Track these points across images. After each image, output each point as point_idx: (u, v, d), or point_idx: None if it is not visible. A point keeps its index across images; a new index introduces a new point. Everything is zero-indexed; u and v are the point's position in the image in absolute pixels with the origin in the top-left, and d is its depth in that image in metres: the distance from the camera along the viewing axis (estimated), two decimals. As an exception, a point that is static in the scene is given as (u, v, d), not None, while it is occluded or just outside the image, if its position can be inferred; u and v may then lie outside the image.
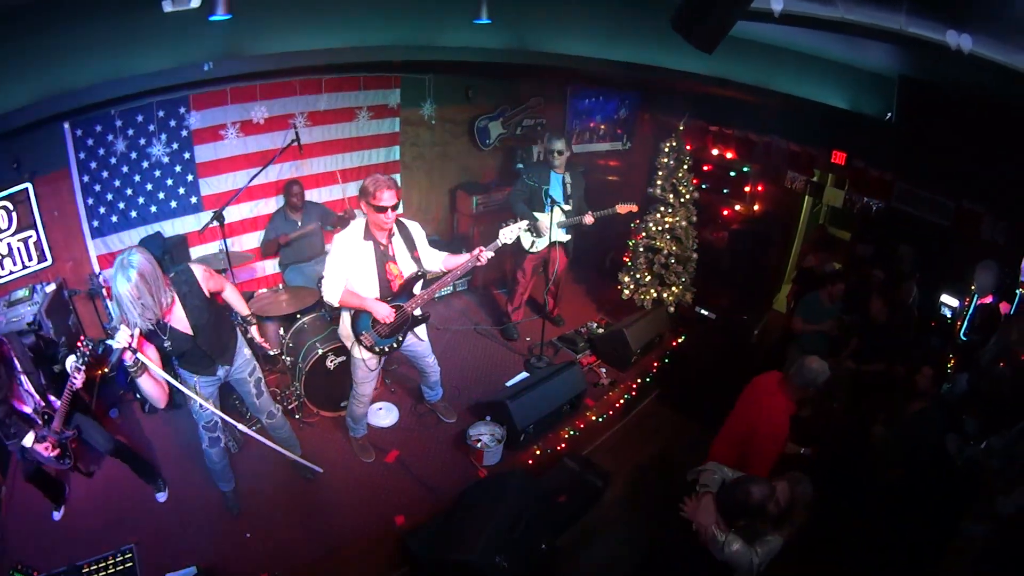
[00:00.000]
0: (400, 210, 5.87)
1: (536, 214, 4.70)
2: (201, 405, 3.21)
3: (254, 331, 3.41)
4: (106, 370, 4.05)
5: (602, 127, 6.10)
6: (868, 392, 4.42)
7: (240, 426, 3.18)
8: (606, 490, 4.06)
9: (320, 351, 3.97)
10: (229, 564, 3.50)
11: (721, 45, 2.63)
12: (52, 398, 3.38)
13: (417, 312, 3.46)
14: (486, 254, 3.28)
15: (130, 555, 3.50)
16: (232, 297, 3.25)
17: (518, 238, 4.77)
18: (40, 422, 3.33)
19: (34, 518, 3.88)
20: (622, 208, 4.68)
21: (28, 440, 3.28)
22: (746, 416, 3.30)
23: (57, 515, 3.86)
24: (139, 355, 2.64)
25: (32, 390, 3.29)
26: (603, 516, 3.95)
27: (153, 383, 2.77)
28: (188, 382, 3.17)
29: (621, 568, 3.59)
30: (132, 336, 2.56)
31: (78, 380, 3.10)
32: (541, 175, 4.70)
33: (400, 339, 3.55)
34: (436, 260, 3.46)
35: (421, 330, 3.66)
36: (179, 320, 2.88)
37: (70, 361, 3.15)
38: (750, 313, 5.56)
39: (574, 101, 6.09)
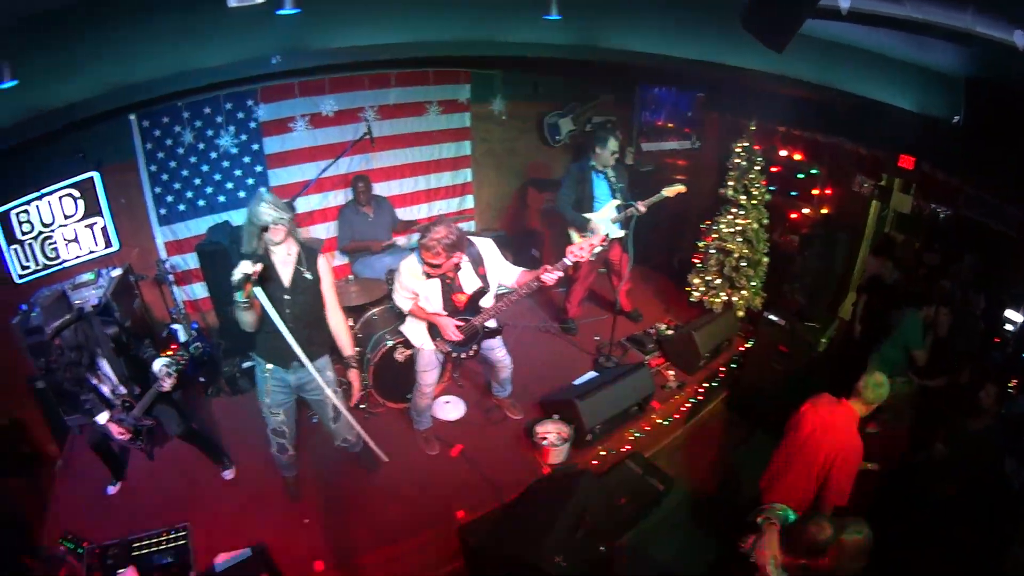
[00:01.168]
0: (470, 204, 6.05)
1: (586, 215, 4.73)
2: (272, 410, 3.34)
3: (352, 375, 3.43)
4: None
5: (670, 125, 6.10)
6: (931, 407, 4.25)
7: (340, 405, 3.36)
8: (667, 495, 4.04)
9: (389, 343, 4.07)
10: (284, 548, 3.57)
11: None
12: (135, 387, 3.53)
13: (490, 324, 3.53)
14: (551, 276, 3.19)
15: (184, 533, 3.63)
16: (339, 326, 3.32)
17: (571, 238, 4.82)
18: (119, 407, 3.48)
19: (88, 491, 4.06)
20: (670, 191, 4.56)
21: (102, 419, 3.43)
22: (812, 447, 3.12)
23: (112, 489, 4.04)
24: (256, 290, 2.81)
25: (111, 374, 3.45)
26: (662, 521, 3.94)
27: (255, 314, 2.94)
28: (261, 372, 3.27)
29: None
30: (254, 269, 2.74)
31: (166, 384, 3.30)
32: (584, 172, 4.72)
33: (476, 347, 3.62)
34: (510, 277, 3.45)
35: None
36: (285, 271, 3.04)
37: (159, 364, 3.33)
38: (818, 320, 5.47)
39: (643, 98, 6.11)
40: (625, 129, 6.22)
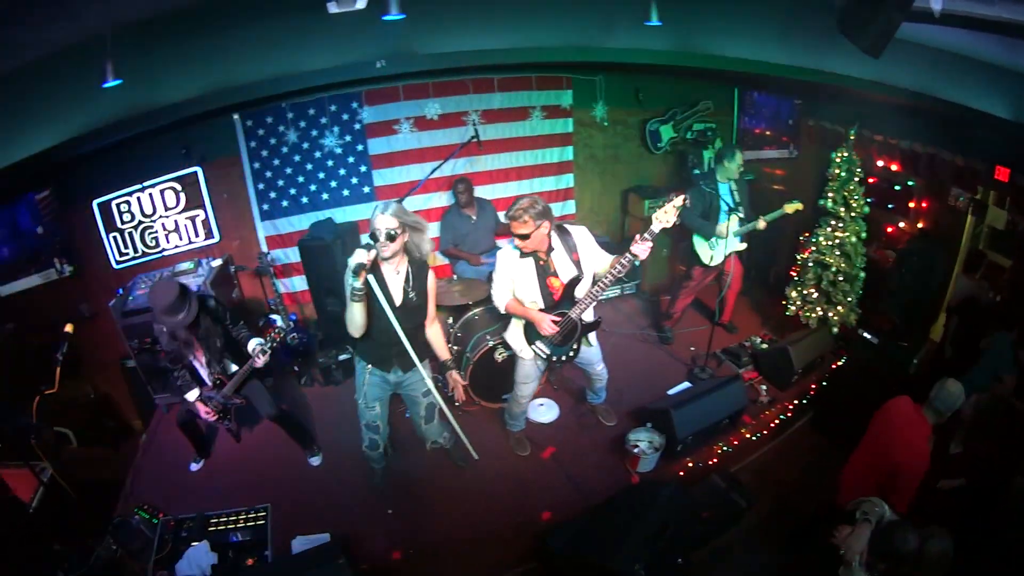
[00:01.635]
0: (571, 209, 6.16)
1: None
2: (368, 404, 3.46)
3: (455, 375, 3.52)
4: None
5: (768, 133, 6.03)
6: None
7: (443, 404, 3.51)
8: (748, 512, 4.00)
9: (490, 343, 4.20)
10: (365, 537, 3.72)
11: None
12: (229, 366, 3.75)
13: (587, 318, 3.53)
14: (641, 246, 3.09)
15: (264, 513, 3.75)
16: (436, 337, 3.44)
17: (694, 248, 4.86)
18: (210, 385, 3.69)
19: (170, 467, 4.31)
20: (789, 207, 4.65)
21: (192, 396, 3.65)
22: (882, 445, 3.19)
23: (195, 467, 4.28)
24: (370, 277, 2.91)
25: (206, 352, 3.64)
26: (741, 538, 3.93)
27: (362, 312, 3.01)
28: (362, 369, 3.40)
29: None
30: (368, 257, 2.84)
31: (260, 361, 3.48)
32: (711, 184, 4.74)
33: (576, 348, 3.65)
34: (603, 262, 3.44)
35: (592, 337, 3.75)
36: (394, 282, 3.11)
37: (254, 343, 3.54)
38: (911, 340, 5.31)
39: (742, 106, 6.09)
40: (725, 137, 6.21)
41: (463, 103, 5.30)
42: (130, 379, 4.89)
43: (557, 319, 3.45)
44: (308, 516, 3.85)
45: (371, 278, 2.94)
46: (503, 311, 3.59)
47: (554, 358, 3.64)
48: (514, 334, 3.71)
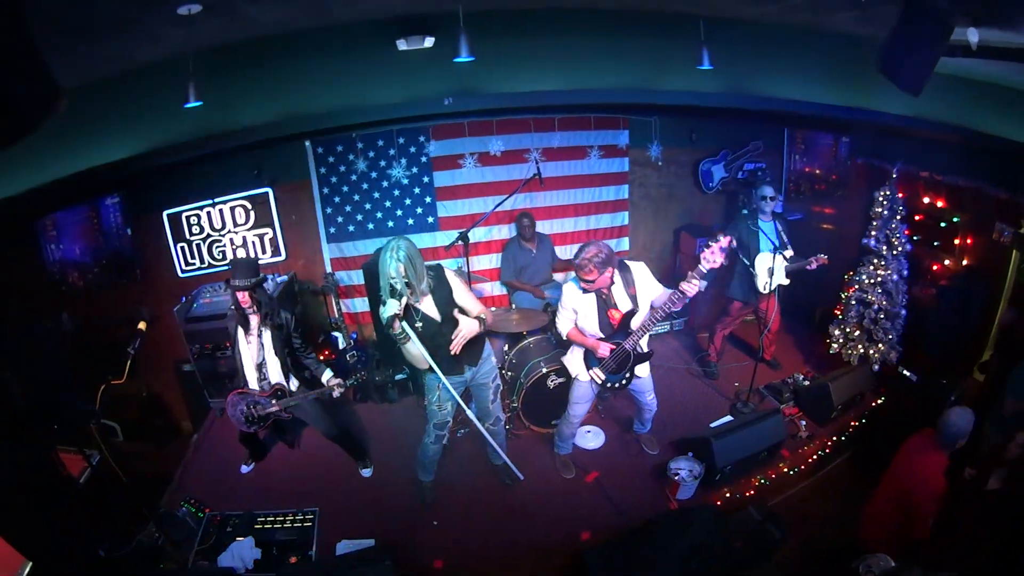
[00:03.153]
0: (625, 246, 6.48)
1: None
2: (440, 405, 3.80)
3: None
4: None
5: (817, 172, 6.29)
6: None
7: (480, 426, 3.86)
8: (782, 545, 4.19)
9: (544, 370, 4.56)
10: (409, 545, 3.98)
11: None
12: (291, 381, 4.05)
13: (640, 348, 3.86)
14: (690, 284, 3.34)
15: (311, 516, 4.06)
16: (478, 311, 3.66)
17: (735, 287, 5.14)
18: (260, 391, 3.97)
19: (220, 467, 4.66)
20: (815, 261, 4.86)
21: (231, 405, 3.96)
22: (900, 477, 3.44)
23: (246, 469, 4.60)
24: (404, 324, 3.30)
25: (274, 360, 3.94)
26: (773, 571, 4.10)
27: (415, 347, 3.41)
28: (433, 378, 3.70)
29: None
30: (400, 309, 3.22)
31: (336, 393, 3.86)
32: (755, 222, 5.02)
33: (628, 376, 3.98)
34: (660, 296, 3.68)
35: (644, 369, 4.06)
36: (429, 307, 3.47)
37: (328, 375, 3.90)
38: (949, 377, 5.48)
39: (791, 146, 6.34)
40: (775, 176, 6.43)
41: (524, 140, 5.68)
42: (184, 382, 5.30)
43: (613, 347, 3.78)
44: (354, 522, 4.17)
45: (405, 325, 3.32)
46: (565, 338, 3.98)
47: (608, 384, 3.96)
48: (573, 359, 4.06)
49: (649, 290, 3.75)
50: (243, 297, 3.78)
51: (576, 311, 3.82)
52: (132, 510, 3.99)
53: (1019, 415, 4.19)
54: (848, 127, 5.89)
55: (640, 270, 3.78)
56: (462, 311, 3.57)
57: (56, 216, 4.91)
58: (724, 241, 3.26)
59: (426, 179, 5.64)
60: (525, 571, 4.00)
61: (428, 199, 5.70)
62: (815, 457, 4.88)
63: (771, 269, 4.87)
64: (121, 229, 5.14)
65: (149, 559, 3.83)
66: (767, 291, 4.98)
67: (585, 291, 3.70)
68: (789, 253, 4.94)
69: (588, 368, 3.98)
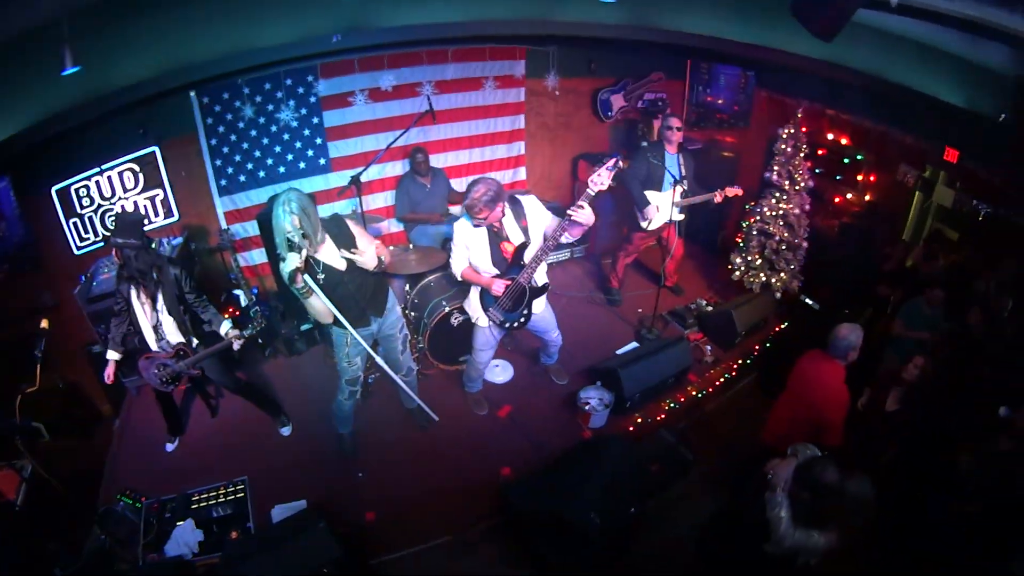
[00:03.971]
0: (523, 176, 6.43)
1: (652, 193, 5.07)
2: (350, 361, 3.74)
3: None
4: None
5: (720, 102, 6.40)
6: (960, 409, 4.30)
7: (393, 374, 3.76)
8: (695, 464, 4.34)
9: (446, 308, 4.51)
10: (339, 501, 3.98)
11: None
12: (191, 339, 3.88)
13: (535, 282, 3.84)
14: (577, 209, 3.32)
15: (242, 486, 4.00)
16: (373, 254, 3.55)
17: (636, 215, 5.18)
18: (167, 352, 3.80)
19: (146, 450, 4.48)
20: (729, 191, 4.98)
21: (111, 355, 3.82)
22: (802, 393, 3.59)
23: (170, 447, 4.45)
24: (306, 277, 3.16)
25: (171, 320, 3.75)
26: (688, 490, 4.25)
27: (318, 301, 3.30)
28: (340, 334, 3.64)
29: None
30: (300, 262, 3.08)
31: (236, 345, 3.67)
32: (658, 154, 5.04)
33: (526, 313, 3.95)
34: (551, 226, 3.64)
35: (540, 303, 4.01)
36: (330, 256, 3.35)
37: (227, 327, 3.72)
38: (852, 308, 5.75)
39: (695, 77, 6.42)
40: (676, 107, 6.52)
41: (417, 74, 5.51)
42: (96, 365, 4.85)
43: (508, 283, 3.76)
44: (284, 485, 4.11)
45: (307, 278, 3.19)
46: (459, 278, 3.95)
47: (507, 323, 3.95)
48: (471, 302, 4.05)
49: (540, 221, 3.73)
50: (116, 255, 3.57)
51: (468, 247, 3.78)
52: (75, 516, 3.82)
53: (914, 342, 4.55)
54: (755, 63, 6.01)
55: (531, 202, 3.77)
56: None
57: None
58: (610, 162, 3.26)
59: (315, 120, 5.40)
60: (455, 515, 4.01)
61: (319, 140, 5.47)
62: (721, 380, 5.07)
63: (672, 202, 4.95)
64: (13, 214, 4.62)
65: (102, 564, 3.70)
66: (665, 224, 5.08)
67: (476, 226, 3.67)
68: (681, 189, 4.92)
69: (485, 309, 3.96)
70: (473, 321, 4.12)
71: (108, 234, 3.55)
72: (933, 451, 3.84)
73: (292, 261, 3.08)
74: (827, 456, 3.02)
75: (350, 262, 3.41)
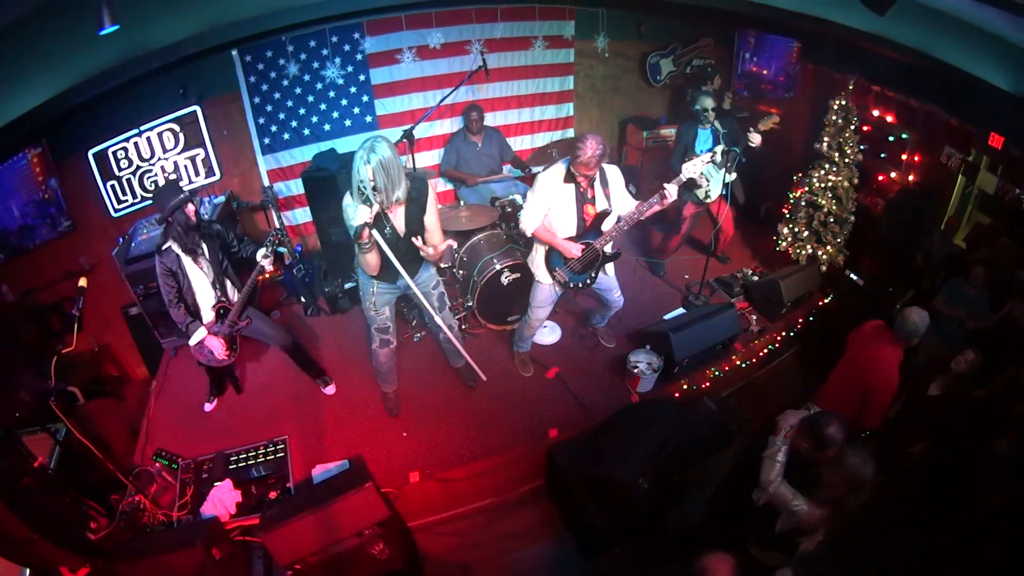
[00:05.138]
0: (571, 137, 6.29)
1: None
2: (377, 310, 3.71)
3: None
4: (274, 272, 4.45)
5: (765, 72, 6.37)
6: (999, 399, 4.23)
7: (446, 330, 3.77)
8: (737, 435, 4.31)
9: (497, 267, 4.52)
10: (382, 460, 4.02)
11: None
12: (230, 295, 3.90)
13: (607, 249, 3.85)
14: (671, 188, 3.45)
15: (282, 446, 4.02)
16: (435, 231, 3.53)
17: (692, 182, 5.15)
18: (213, 319, 3.83)
19: (184, 410, 4.53)
20: (765, 124, 4.80)
21: (199, 335, 3.77)
22: (856, 366, 3.60)
23: (209, 406, 4.50)
24: (374, 232, 3.12)
25: (210, 274, 3.75)
26: (728, 460, 4.19)
27: (376, 256, 3.29)
28: (366, 282, 3.63)
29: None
30: (371, 216, 3.03)
31: (268, 265, 3.63)
32: (690, 131, 4.99)
33: (593, 276, 3.96)
34: (629, 205, 3.74)
35: (610, 267, 4.04)
36: (398, 219, 3.32)
37: (261, 252, 3.66)
38: (896, 286, 5.76)
39: (742, 45, 6.38)
40: (724, 73, 6.52)
41: (465, 32, 5.51)
42: (133, 326, 5.05)
43: (583, 247, 3.75)
44: (326, 444, 4.15)
45: (375, 234, 3.15)
46: (529, 235, 3.82)
47: (572, 284, 3.94)
48: (535, 260, 3.97)
49: (621, 190, 3.75)
50: (192, 210, 3.57)
51: (551, 205, 3.71)
52: (109, 478, 3.79)
53: (969, 332, 4.54)
54: (802, 32, 5.97)
55: (614, 171, 3.76)
56: (422, 234, 3.43)
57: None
58: (707, 156, 3.64)
59: (362, 77, 5.42)
60: (499, 475, 4.04)
61: (365, 98, 5.49)
62: (766, 351, 5.09)
63: (715, 168, 4.93)
64: (47, 179, 4.69)
65: (136, 525, 3.72)
66: (708, 200, 5.11)
67: (566, 178, 3.63)
68: (722, 147, 4.80)
69: (551, 270, 3.92)
70: (535, 279, 4.06)
71: (159, 212, 3.59)
72: (968, 441, 3.79)
73: (362, 215, 3.03)
74: (832, 413, 2.91)
75: (411, 232, 3.35)
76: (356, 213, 3.05)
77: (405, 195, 3.19)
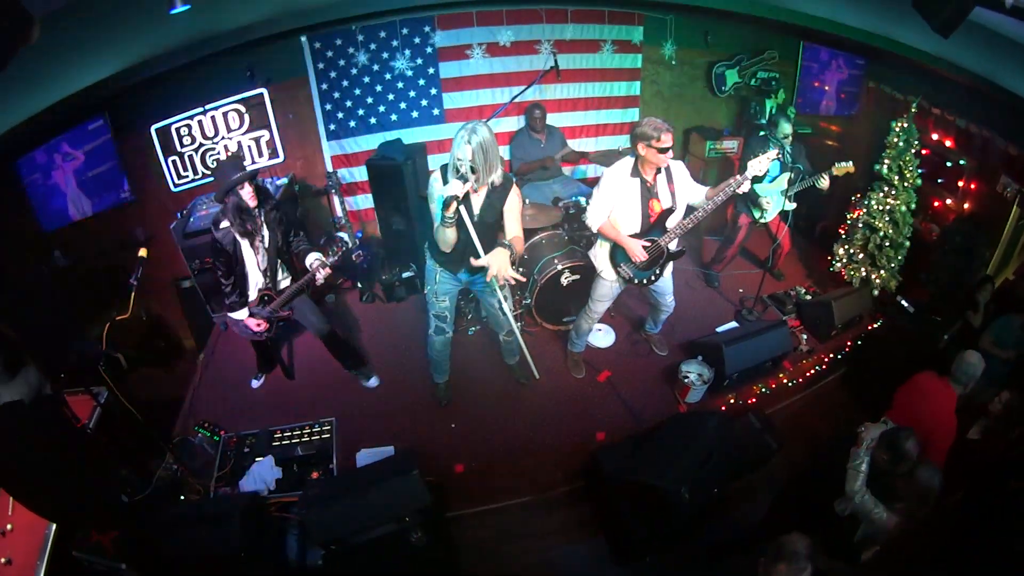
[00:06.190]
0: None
1: (757, 187, 5.07)
2: (437, 297, 3.80)
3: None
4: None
5: (827, 88, 6.39)
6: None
7: (511, 320, 3.83)
8: (777, 454, 4.35)
9: (559, 267, 4.61)
10: (428, 450, 4.06)
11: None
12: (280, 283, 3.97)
13: (672, 247, 3.90)
14: (743, 180, 3.53)
15: (329, 427, 4.09)
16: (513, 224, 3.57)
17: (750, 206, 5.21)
18: (255, 300, 3.92)
19: (230, 385, 4.64)
20: (839, 169, 4.91)
21: (240, 315, 3.88)
22: (910, 419, 3.48)
23: (256, 383, 4.59)
24: (461, 208, 3.23)
25: (264, 261, 3.83)
26: (766, 478, 4.28)
27: (455, 233, 3.33)
28: (432, 268, 3.74)
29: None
30: (464, 190, 3.13)
31: (320, 276, 3.72)
32: (759, 148, 4.90)
33: (657, 272, 4.00)
34: (698, 194, 3.76)
35: (668, 269, 4.08)
36: (477, 204, 3.42)
37: (312, 258, 3.77)
38: (945, 316, 5.74)
39: (807, 58, 6.38)
40: (787, 87, 6.52)
41: (535, 31, 5.60)
42: (184, 300, 5.21)
43: (647, 244, 3.79)
44: (373, 429, 4.23)
45: (463, 209, 3.26)
46: (595, 230, 3.85)
47: (636, 280, 3.98)
48: (598, 254, 4.04)
49: (687, 188, 3.78)
50: (250, 193, 3.63)
51: (615, 200, 3.75)
52: (147, 444, 3.93)
53: (1010, 371, 4.45)
54: (866, 51, 5.99)
55: (679, 168, 3.79)
56: (501, 227, 3.53)
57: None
58: (772, 153, 3.64)
59: (431, 70, 5.56)
60: (541, 474, 4.12)
61: (434, 91, 5.63)
62: (813, 371, 5.11)
63: (779, 192, 5.03)
64: (108, 150, 4.81)
65: (170, 494, 3.82)
66: (766, 219, 5.20)
67: (632, 173, 3.67)
68: (790, 175, 5.02)
69: (615, 266, 3.97)
70: (598, 272, 4.10)
71: (216, 192, 3.67)
72: (1005, 487, 3.73)
73: (455, 187, 3.12)
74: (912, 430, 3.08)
75: (484, 212, 3.44)
76: (448, 186, 3.17)
77: (500, 180, 3.34)
